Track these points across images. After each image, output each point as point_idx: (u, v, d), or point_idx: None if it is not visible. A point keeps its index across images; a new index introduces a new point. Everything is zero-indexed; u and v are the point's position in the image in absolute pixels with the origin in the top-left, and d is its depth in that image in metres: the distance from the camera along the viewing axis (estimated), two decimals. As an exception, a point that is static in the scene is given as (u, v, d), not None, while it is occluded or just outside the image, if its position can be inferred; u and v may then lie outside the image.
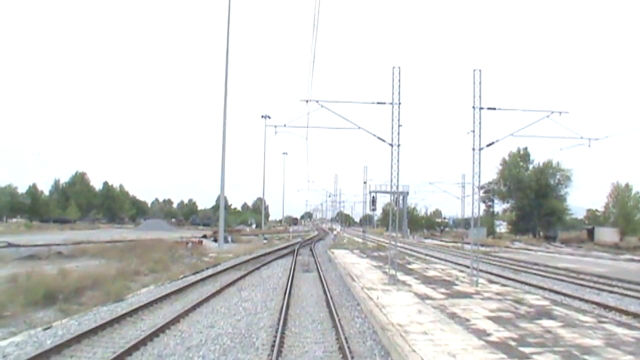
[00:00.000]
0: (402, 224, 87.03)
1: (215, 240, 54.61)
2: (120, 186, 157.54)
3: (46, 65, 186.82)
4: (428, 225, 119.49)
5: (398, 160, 17.63)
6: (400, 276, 19.19)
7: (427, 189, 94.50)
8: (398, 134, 17.59)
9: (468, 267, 25.84)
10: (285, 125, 19.31)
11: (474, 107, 17.84)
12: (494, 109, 18.08)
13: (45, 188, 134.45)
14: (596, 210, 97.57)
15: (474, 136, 17.92)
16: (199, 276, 22.25)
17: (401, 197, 79.10)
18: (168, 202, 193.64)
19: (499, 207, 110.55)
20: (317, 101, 17.71)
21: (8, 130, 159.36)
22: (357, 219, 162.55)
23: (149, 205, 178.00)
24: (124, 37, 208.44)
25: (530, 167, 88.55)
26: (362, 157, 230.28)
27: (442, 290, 16.52)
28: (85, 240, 42.81)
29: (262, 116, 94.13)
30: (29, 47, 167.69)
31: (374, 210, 75.64)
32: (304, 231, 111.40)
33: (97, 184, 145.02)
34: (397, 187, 17.76)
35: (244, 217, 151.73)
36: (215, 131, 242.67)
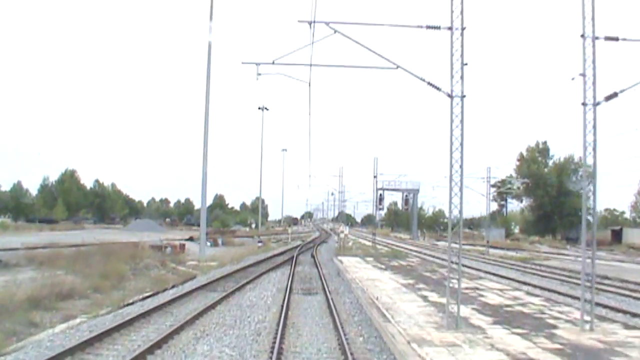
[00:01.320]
0: (411, 224, 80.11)
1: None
2: (113, 184, 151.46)
3: (41, 63, 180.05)
4: (434, 225, 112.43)
5: (462, 122, 10.63)
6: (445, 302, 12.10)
7: (442, 183, 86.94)
8: (462, 77, 10.58)
9: (535, 286, 18.84)
10: (274, 63, 11.97)
11: (584, 36, 10.87)
12: (616, 39, 11.11)
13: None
14: (614, 210, 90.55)
15: (584, 83, 10.94)
16: (154, 301, 15.32)
17: (411, 195, 72.11)
18: (165, 201, 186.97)
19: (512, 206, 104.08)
20: (326, 23, 10.68)
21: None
22: (357, 219, 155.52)
23: (146, 204, 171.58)
24: (121, 34, 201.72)
25: (550, 162, 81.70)
26: (369, 149, 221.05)
27: (544, 341, 9.54)
28: (49, 244, 35.92)
29: (259, 108, 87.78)
30: (19, 43, 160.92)
31: (381, 209, 69.06)
32: (305, 232, 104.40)
33: (90, 183, 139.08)
34: (462, 171, 10.72)
35: (243, 217, 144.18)
36: (214, 130, 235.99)
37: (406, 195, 66.15)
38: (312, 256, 33.79)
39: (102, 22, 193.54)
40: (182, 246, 39.91)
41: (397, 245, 51.06)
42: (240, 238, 61.93)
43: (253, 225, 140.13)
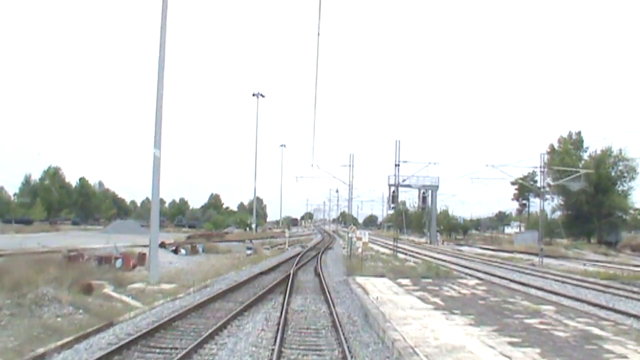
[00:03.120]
0: (429, 226, 69.92)
1: (176, 251, 37.69)
2: (100, 183, 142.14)
3: (33, 59, 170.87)
4: (448, 227, 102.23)
5: None
6: None
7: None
8: None
9: None
10: None
11: None
12: None
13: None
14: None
15: None
16: None
17: (429, 193, 62.07)
18: (160, 201, 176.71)
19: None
20: None
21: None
22: (359, 220, 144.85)
23: (140, 205, 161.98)
24: (110, 27, 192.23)
25: (585, 155, 71.67)
26: (378, 141, 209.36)
27: None
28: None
29: (254, 94, 77.82)
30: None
31: (394, 208, 59.84)
32: (305, 235, 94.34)
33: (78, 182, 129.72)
34: None
35: (239, 217, 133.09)
36: (213, 130, 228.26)
37: (423, 192, 55.91)
38: (317, 273, 23.83)
39: (90, 15, 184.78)
40: (142, 257, 29.94)
41: (422, 254, 41.19)
42: (228, 243, 51.98)
43: (253, 226, 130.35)
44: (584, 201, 67.18)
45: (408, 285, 18.19)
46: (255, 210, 74.59)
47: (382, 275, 20.74)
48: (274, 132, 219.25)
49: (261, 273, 23.83)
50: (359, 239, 22.63)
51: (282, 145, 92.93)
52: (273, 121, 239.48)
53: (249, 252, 38.27)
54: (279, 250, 43.58)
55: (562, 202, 73.15)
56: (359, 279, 19.57)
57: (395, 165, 33.86)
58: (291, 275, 21.51)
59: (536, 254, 48.51)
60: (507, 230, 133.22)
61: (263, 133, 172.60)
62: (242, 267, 28.91)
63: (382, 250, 46.66)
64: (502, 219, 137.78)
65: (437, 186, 62.15)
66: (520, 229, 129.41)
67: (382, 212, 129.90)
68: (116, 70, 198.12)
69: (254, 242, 54.42)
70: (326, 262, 31.91)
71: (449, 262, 34.24)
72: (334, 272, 25.41)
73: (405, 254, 39.06)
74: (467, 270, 27.25)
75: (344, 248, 51.73)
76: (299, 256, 34.39)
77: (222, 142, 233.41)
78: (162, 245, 38.99)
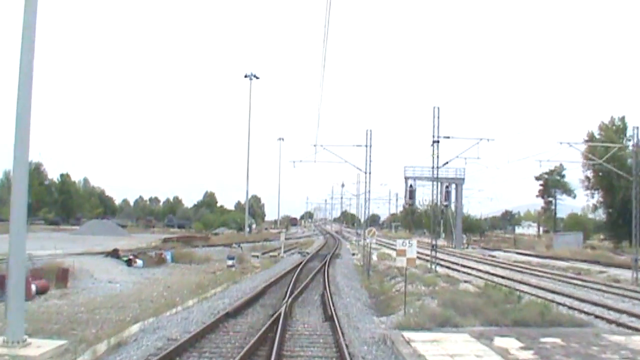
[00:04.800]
0: (453, 227, 59.87)
1: (129, 263, 27.86)
2: (85, 180, 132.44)
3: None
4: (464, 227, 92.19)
5: None
6: None
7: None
8: None
9: None
10: None
11: None
12: None
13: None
14: None
15: None
16: None
17: (453, 187, 52.23)
18: (155, 200, 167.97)
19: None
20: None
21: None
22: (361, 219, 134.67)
23: (132, 203, 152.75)
24: (101, 24, 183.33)
25: (630, 144, 61.71)
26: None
27: None
28: None
29: (246, 75, 68.21)
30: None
31: (411, 205, 50.71)
32: (305, 236, 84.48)
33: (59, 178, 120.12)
34: None
35: (233, 217, 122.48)
36: (212, 130, 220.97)
37: (446, 187, 45.99)
38: (326, 314, 13.98)
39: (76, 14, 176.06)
40: (63, 274, 20.36)
41: (463, 265, 31.38)
42: (210, 248, 42.22)
43: (253, 226, 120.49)
44: (631, 198, 57.28)
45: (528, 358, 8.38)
46: (247, 209, 64.72)
47: (454, 327, 10.93)
48: (274, 129, 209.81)
49: (235, 308, 13.99)
50: (401, 253, 12.82)
51: (280, 139, 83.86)
52: (273, 115, 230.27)
53: (229, 262, 28.49)
54: (271, 259, 33.75)
55: (601, 199, 63.34)
56: (413, 337, 9.79)
57: (434, 141, 24.11)
58: (281, 319, 11.74)
59: (597, 262, 38.89)
60: (518, 230, 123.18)
61: (263, 131, 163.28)
62: (211, 290, 19.18)
63: (421, 261, 37.01)
64: (508, 218, 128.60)
65: (463, 179, 52.31)
66: (539, 231, 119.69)
67: (387, 210, 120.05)
68: (117, 69, 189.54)
69: (243, 247, 44.65)
70: (336, 281, 22.11)
71: (507, 278, 24.47)
72: (353, 306, 15.59)
73: (450, 267, 29.31)
74: (566, 301, 17.33)
75: (353, 254, 42.03)
76: (297, 270, 24.60)
77: (221, 142, 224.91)
78: (115, 254, 29.27)
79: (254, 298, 16.28)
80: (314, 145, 27.68)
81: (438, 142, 24.21)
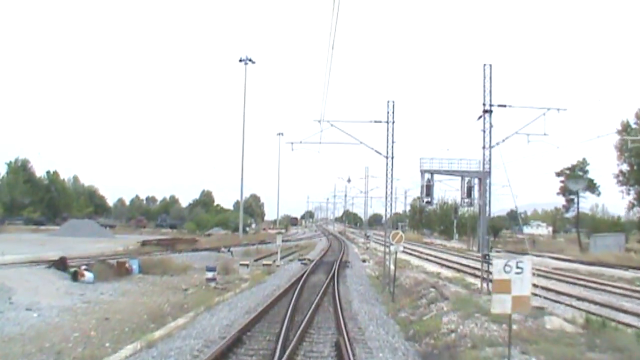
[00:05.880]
0: (477, 228, 53.12)
1: (75, 277, 21.26)
2: (75, 178, 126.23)
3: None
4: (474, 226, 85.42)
5: None
6: None
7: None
8: None
9: None
10: None
11: None
12: None
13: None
14: None
15: None
16: None
17: (476, 181, 45.51)
18: (152, 199, 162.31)
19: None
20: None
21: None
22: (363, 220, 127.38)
23: (129, 203, 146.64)
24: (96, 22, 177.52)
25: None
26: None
27: None
28: None
29: (240, 59, 61.93)
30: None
31: (428, 202, 44.58)
32: (306, 238, 77.76)
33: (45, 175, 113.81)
34: None
35: (231, 216, 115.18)
36: (211, 130, 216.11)
37: (468, 182, 39.07)
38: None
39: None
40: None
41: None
42: (195, 253, 35.72)
43: (253, 225, 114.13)
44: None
45: None
46: (242, 207, 58.20)
47: None
48: (274, 125, 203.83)
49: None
50: (502, 287, 6.30)
51: (279, 134, 78.38)
52: (273, 106, 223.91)
53: (209, 275, 21.95)
54: (264, 268, 27.11)
55: (636, 196, 56.83)
56: None
57: (484, 111, 17.64)
58: None
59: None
60: (526, 230, 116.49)
61: (263, 130, 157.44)
62: (169, 324, 12.67)
63: (429, 267, 30.48)
64: (514, 217, 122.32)
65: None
66: (550, 231, 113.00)
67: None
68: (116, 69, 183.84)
69: (234, 252, 38.11)
70: (352, 309, 15.50)
71: (581, 298, 18.03)
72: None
73: (476, 275, 22.92)
74: None
75: (363, 261, 35.47)
76: (297, 289, 17.99)
77: (221, 141, 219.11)
78: (61, 264, 22.65)
79: (225, 350, 9.68)
80: (319, 121, 21.02)
81: (491, 111, 17.83)
